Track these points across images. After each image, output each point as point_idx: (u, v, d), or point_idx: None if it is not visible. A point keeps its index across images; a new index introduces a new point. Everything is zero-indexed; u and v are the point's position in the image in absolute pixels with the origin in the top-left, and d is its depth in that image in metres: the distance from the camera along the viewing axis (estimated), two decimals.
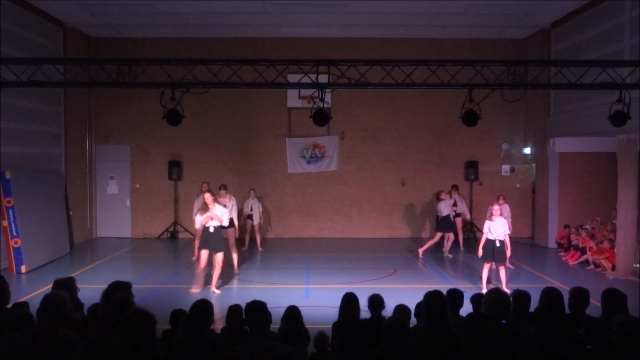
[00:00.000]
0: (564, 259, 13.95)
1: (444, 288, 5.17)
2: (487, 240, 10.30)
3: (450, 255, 14.06)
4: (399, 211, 17.42)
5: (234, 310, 5.54)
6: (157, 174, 17.24)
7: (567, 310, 5.08)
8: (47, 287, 7.29)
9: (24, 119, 13.27)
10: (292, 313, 5.70)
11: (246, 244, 14.93)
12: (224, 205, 10.99)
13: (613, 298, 4.94)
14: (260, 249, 15.01)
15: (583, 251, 13.35)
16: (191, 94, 9.04)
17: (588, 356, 4.37)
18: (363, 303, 5.69)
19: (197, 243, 13.66)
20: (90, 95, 17.03)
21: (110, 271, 12.29)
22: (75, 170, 16.11)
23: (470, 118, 9.12)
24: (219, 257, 10.33)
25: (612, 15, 12.78)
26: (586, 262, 13.09)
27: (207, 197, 10.35)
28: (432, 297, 4.56)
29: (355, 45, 16.76)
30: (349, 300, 5.54)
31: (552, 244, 15.52)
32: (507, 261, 10.82)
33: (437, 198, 14.40)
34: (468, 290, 7.40)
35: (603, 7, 13.15)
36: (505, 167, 17.47)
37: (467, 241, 15.49)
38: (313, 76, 8.77)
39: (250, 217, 14.91)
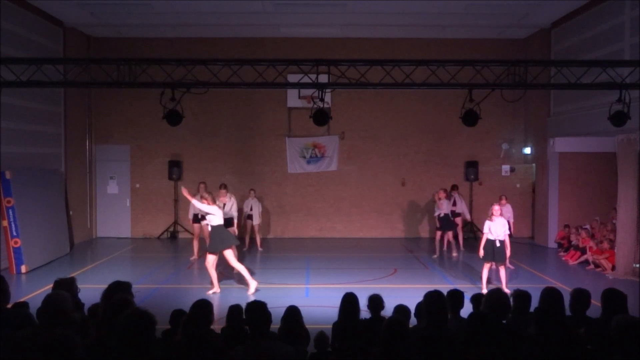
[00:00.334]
0: (564, 259, 13.94)
1: (444, 288, 5.17)
2: (487, 240, 10.31)
3: (436, 256, 13.90)
4: (399, 211, 17.42)
5: (234, 310, 5.54)
6: (157, 174, 17.24)
7: (567, 311, 5.08)
8: (47, 287, 7.30)
9: (24, 119, 13.27)
10: (292, 313, 5.71)
11: (246, 244, 14.92)
12: (224, 205, 11.00)
13: (613, 298, 4.94)
14: (260, 249, 15.00)
15: (583, 251, 13.35)
16: (191, 94, 9.05)
17: (588, 356, 4.36)
18: (363, 303, 5.69)
19: (196, 243, 13.72)
20: (90, 95, 17.02)
21: (110, 271, 12.28)
22: (75, 170, 16.11)
23: (470, 118, 9.13)
24: (226, 254, 10.27)
25: (612, 15, 12.78)
26: (586, 262, 13.09)
27: (205, 195, 10.48)
28: (432, 297, 4.56)
29: (355, 45, 16.76)
30: (349, 300, 5.56)
31: (552, 244, 15.50)
32: (507, 261, 10.83)
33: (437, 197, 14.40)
34: (468, 290, 7.39)
35: (603, 7, 13.15)
36: (505, 167, 17.47)
37: (467, 241, 15.51)
38: (313, 76, 8.78)
39: (250, 217, 14.90)
